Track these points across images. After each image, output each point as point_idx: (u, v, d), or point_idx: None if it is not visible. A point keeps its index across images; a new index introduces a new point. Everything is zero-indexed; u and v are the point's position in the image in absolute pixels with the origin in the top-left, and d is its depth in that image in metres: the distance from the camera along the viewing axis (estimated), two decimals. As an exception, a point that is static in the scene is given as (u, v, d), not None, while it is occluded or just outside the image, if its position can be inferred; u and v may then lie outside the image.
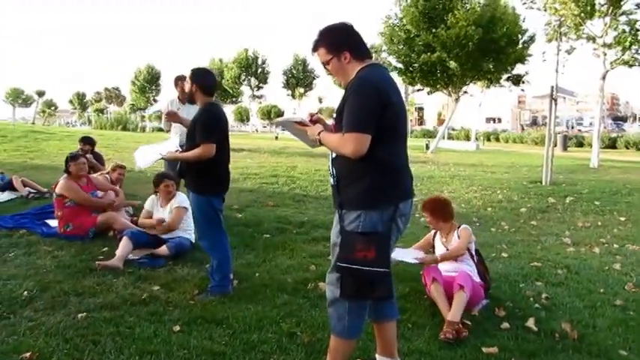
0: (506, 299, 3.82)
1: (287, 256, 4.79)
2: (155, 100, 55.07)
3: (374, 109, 2.26)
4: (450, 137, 36.45)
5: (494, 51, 18.60)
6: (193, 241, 4.70)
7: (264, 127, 56.18)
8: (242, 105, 56.55)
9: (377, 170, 2.31)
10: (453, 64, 18.68)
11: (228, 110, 59.03)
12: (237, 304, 3.54)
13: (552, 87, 9.97)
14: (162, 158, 3.94)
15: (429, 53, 18.68)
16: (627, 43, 13.52)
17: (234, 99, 52.35)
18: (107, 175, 6.04)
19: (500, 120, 63.09)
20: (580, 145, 31.21)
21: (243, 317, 3.30)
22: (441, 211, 3.84)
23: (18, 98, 68.45)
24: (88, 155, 7.25)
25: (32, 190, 7.07)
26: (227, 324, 3.21)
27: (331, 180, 2.48)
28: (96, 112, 62.97)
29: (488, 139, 37.89)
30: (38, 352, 2.76)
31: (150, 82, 55.70)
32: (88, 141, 7.46)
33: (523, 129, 47.08)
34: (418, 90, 23.45)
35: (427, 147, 22.07)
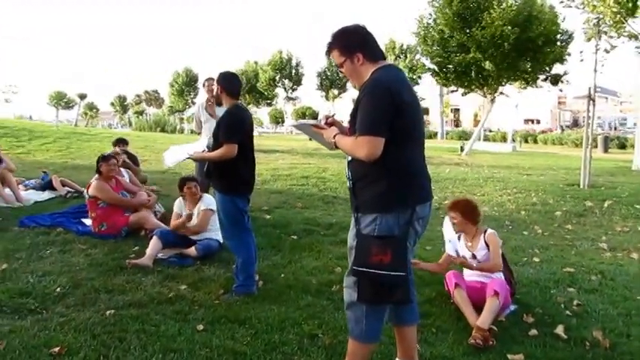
0: (536, 305, 3.71)
1: (313, 257, 4.79)
2: (193, 103, 56.09)
3: (387, 111, 2.23)
4: (486, 139, 35.62)
5: (531, 50, 18.03)
6: (221, 241, 4.76)
7: (299, 128, 56.02)
8: (277, 107, 56.93)
9: (392, 173, 2.29)
10: (488, 64, 18.25)
11: (264, 112, 59.54)
12: (261, 304, 3.57)
13: (590, 87, 9.62)
14: (189, 157, 4.03)
15: (463, 54, 18.34)
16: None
17: (268, 101, 52.73)
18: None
19: (539, 121, 61.20)
20: (622, 146, 29.82)
21: (266, 318, 3.33)
22: (472, 212, 3.75)
23: (61, 101, 71.16)
24: (122, 156, 7.50)
25: (70, 190, 7.34)
26: (250, 324, 3.25)
27: (348, 183, 2.47)
28: (136, 115, 64.77)
29: (526, 141, 36.83)
30: (67, 347, 2.85)
31: (187, 84, 56.89)
32: (121, 142, 7.69)
33: (563, 130, 45.40)
34: (452, 91, 22.99)
35: (462, 149, 21.66)
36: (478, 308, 3.32)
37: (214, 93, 3.84)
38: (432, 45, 19.57)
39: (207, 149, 4.00)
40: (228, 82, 3.79)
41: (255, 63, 51.38)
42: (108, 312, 3.34)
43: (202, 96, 6.55)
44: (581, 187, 9.67)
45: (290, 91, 51.03)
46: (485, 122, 24.77)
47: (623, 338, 3.19)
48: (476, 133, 23.45)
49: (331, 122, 2.51)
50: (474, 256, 3.68)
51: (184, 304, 3.56)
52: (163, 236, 4.60)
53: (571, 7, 13.22)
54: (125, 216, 5.24)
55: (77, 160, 12.04)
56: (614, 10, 12.33)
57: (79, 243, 4.94)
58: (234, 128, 3.68)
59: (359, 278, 2.30)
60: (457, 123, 62.95)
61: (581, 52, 11.57)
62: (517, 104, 32.94)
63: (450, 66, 19.37)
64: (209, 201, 4.82)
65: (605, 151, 25.32)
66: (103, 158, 5.44)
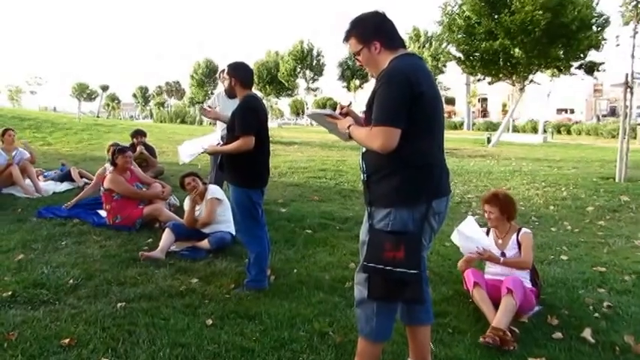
0: (562, 306, 3.51)
1: (327, 252, 4.68)
2: (212, 94, 56.82)
3: (404, 101, 2.11)
4: (515, 130, 34.67)
5: (564, 36, 17.32)
6: (234, 234, 4.69)
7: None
8: (298, 98, 56.76)
9: (408, 166, 2.18)
10: (517, 51, 17.68)
11: (284, 103, 59.46)
12: (272, 300, 3.50)
13: (627, 74, 9.16)
14: (204, 152, 3.96)
15: (490, 41, 17.81)
16: None
17: (289, 92, 52.53)
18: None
19: (572, 111, 59.11)
20: (663, 137, 28.61)
21: (276, 314, 3.25)
22: (511, 207, 3.56)
23: (83, 93, 72.52)
24: (140, 147, 7.53)
25: (88, 181, 7.35)
26: (259, 320, 3.18)
27: (361, 175, 2.37)
28: (157, 106, 65.66)
29: (559, 132, 35.57)
30: (77, 338, 2.85)
31: (208, 75, 57.25)
32: (139, 133, 7.72)
33: (599, 120, 43.40)
34: (479, 80, 22.34)
35: (488, 141, 21.09)
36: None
37: (226, 86, 3.74)
38: (458, 32, 19.07)
39: (221, 142, 3.93)
40: (241, 72, 3.70)
41: (276, 53, 51.26)
42: (119, 304, 3.33)
43: (220, 87, 6.47)
44: (617, 180, 9.23)
45: (311, 81, 50.72)
46: (514, 112, 24.09)
47: (657, 344, 2.97)
48: (504, 124, 22.81)
49: (346, 112, 2.43)
50: (503, 254, 3.49)
51: (195, 297, 3.51)
52: (176, 229, 4.57)
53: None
54: (139, 208, 5.24)
55: (95, 151, 12.20)
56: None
57: (94, 234, 4.96)
58: (250, 120, 3.59)
59: (370, 275, 2.23)
60: (485, 113, 61.58)
61: (617, 36, 10.95)
62: (549, 93, 31.83)
63: (477, 54, 18.87)
64: (214, 190, 4.82)
65: (645, 142, 24.31)
66: (119, 150, 5.43)
